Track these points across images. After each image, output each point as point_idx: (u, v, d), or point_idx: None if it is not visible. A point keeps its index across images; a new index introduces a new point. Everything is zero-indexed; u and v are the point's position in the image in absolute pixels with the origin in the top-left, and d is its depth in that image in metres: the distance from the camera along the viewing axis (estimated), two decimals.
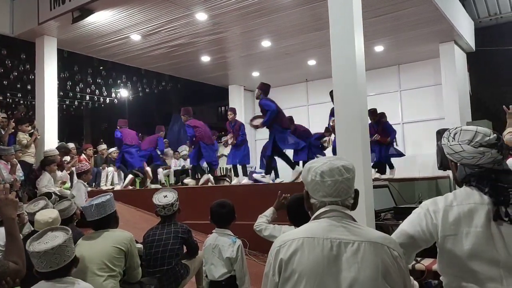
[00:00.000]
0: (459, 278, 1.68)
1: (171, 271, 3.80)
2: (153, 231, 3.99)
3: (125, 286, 3.38)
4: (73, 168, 7.86)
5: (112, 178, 10.12)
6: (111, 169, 10.18)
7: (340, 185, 1.63)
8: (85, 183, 6.50)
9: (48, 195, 6.42)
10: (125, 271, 3.41)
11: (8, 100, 17.68)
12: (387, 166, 9.08)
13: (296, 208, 3.00)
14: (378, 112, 8.87)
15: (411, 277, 1.72)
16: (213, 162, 8.89)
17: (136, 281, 3.50)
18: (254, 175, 8.16)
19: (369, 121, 8.63)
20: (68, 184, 7.66)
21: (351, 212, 1.67)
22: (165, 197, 4.01)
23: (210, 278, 3.46)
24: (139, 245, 3.85)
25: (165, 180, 10.96)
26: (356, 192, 1.71)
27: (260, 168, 9.11)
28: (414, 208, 1.90)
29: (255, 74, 12.62)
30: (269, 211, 3.46)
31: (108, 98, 18.48)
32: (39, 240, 2.37)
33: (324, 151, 9.20)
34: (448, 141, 1.82)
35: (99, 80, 17.31)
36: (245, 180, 8.02)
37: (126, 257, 3.36)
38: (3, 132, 7.96)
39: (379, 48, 10.29)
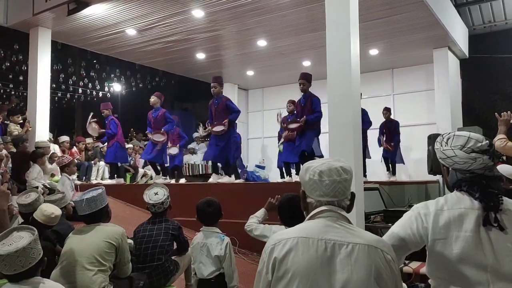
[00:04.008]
0: (447, 281, 1.70)
1: (160, 267, 3.79)
2: (143, 226, 3.99)
3: (115, 281, 3.37)
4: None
5: (103, 172, 10.06)
6: (102, 163, 10.12)
7: (337, 185, 1.65)
8: (69, 176, 6.47)
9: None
10: (114, 266, 3.41)
11: None
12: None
13: (287, 208, 3.02)
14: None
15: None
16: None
17: (125, 276, 3.50)
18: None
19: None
20: (57, 177, 7.61)
21: (346, 214, 1.68)
22: (155, 195, 3.98)
23: (199, 276, 3.47)
24: (130, 241, 3.84)
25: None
26: (353, 195, 1.72)
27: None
28: (404, 211, 1.93)
29: (250, 73, 12.62)
30: (260, 212, 3.48)
31: (101, 92, 18.35)
32: (3, 241, 2.25)
33: None
34: (441, 145, 1.84)
35: (92, 74, 17.19)
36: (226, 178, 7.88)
37: (117, 252, 3.35)
38: None
39: (373, 52, 10.34)
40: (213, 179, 7.65)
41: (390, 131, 9.62)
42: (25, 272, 2.22)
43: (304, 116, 7.14)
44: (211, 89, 7.71)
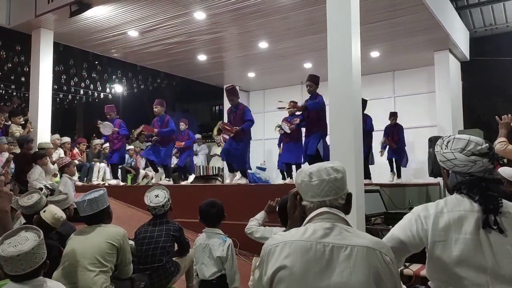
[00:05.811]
0: (447, 283, 1.71)
1: (161, 268, 3.81)
2: (144, 228, 4.00)
3: (116, 282, 3.38)
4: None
5: (103, 173, 10.07)
6: (103, 164, 10.15)
7: (327, 185, 1.64)
8: (71, 177, 6.48)
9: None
10: (116, 267, 3.42)
11: (1, 91, 17.57)
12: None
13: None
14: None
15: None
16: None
17: (127, 277, 3.51)
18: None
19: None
20: (58, 178, 7.62)
21: (344, 216, 1.67)
22: (156, 197, 3.98)
23: (201, 278, 3.48)
24: (131, 242, 3.85)
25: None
26: (349, 195, 1.71)
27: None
28: (404, 213, 1.94)
29: (251, 74, 12.64)
30: (260, 215, 3.48)
31: (102, 93, 18.38)
32: (10, 240, 2.25)
33: None
34: (441, 148, 1.86)
35: (94, 75, 17.21)
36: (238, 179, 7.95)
37: (118, 253, 3.35)
38: None
39: (375, 54, 10.35)
40: (229, 179, 7.94)
41: (394, 134, 9.69)
42: (26, 274, 2.24)
43: (305, 103, 7.35)
44: (229, 102, 7.94)
